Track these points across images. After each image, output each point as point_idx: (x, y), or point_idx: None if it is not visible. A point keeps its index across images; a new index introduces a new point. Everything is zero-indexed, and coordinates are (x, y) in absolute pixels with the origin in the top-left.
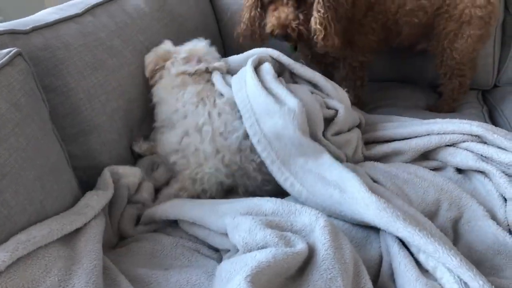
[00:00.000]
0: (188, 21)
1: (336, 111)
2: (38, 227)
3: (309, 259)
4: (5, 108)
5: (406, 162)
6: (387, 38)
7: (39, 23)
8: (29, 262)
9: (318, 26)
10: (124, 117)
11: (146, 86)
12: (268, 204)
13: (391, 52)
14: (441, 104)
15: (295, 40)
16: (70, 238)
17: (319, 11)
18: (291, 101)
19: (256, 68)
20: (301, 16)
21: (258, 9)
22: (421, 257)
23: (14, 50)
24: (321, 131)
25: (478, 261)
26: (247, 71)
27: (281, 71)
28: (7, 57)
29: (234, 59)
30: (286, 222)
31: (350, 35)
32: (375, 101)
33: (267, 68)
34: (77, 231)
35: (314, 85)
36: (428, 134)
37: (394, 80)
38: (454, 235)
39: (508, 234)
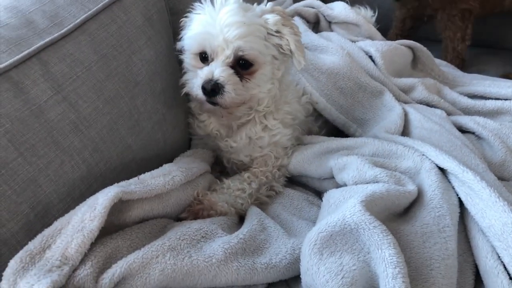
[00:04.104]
0: None
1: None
2: (189, 159)
3: (415, 199)
4: (141, 21)
5: None
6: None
7: None
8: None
9: None
10: None
11: None
12: (367, 145)
13: None
14: None
15: None
16: None
17: None
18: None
19: None
20: None
21: None
22: None
23: None
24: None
25: None
26: None
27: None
28: None
29: None
30: (390, 163)
31: None
32: None
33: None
34: None
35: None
36: None
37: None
38: None
39: None
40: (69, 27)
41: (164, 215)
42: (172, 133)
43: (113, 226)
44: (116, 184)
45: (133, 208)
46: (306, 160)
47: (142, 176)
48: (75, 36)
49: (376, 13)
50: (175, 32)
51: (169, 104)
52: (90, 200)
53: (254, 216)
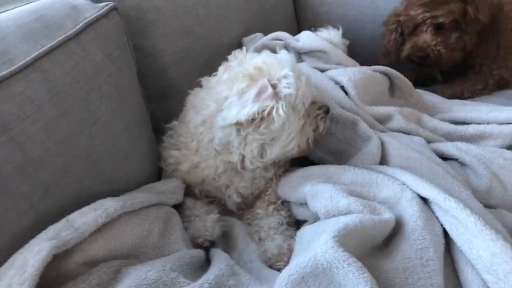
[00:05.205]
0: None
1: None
2: (137, 193)
3: (395, 230)
4: (100, 58)
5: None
6: None
7: None
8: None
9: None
10: None
11: None
12: (346, 173)
13: None
14: None
15: (432, 63)
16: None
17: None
18: None
19: None
20: (439, 39)
21: (398, 35)
22: None
23: (110, 3)
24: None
25: None
26: None
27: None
28: (104, 9)
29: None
30: (368, 192)
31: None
32: None
33: None
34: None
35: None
36: None
37: None
38: None
39: None
40: (19, 64)
41: (115, 255)
42: (136, 172)
43: (52, 278)
44: (44, 234)
45: (72, 252)
46: (288, 183)
47: (71, 216)
48: (26, 74)
49: (340, 30)
50: (141, 69)
51: (132, 142)
52: (18, 262)
53: (223, 260)
